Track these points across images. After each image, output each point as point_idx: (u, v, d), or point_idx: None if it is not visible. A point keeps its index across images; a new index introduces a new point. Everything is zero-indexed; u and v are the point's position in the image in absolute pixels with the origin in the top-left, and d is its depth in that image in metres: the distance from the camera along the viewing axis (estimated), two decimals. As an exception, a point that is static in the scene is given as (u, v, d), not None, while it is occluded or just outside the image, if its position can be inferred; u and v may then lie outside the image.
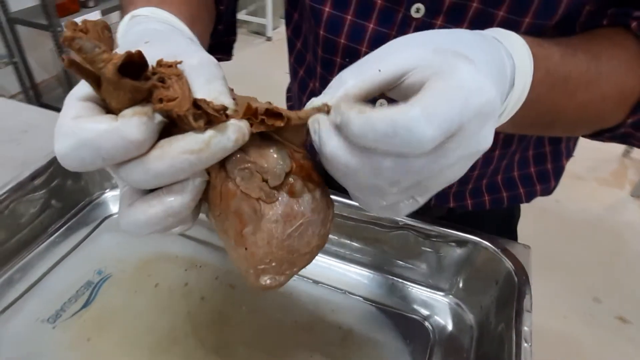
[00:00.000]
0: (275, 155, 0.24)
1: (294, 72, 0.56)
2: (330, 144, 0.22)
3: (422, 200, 0.25)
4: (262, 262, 0.24)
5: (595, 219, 1.84)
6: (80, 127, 0.20)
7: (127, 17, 0.31)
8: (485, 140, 0.22)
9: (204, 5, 0.41)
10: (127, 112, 0.20)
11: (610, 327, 1.44)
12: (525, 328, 0.37)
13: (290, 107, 0.65)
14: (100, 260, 0.51)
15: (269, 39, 3.12)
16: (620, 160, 2.19)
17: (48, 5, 1.73)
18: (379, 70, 0.22)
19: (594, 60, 0.33)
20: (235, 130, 0.22)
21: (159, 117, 0.21)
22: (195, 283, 0.49)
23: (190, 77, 0.23)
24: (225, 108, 0.21)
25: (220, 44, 0.51)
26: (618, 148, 2.21)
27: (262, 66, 2.71)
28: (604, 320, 1.45)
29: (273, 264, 0.24)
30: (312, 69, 0.51)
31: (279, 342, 0.44)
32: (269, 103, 0.24)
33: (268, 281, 0.25)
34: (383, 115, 0.20)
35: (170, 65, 0.22)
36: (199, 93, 0.22)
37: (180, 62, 0.23)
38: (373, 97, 0.23)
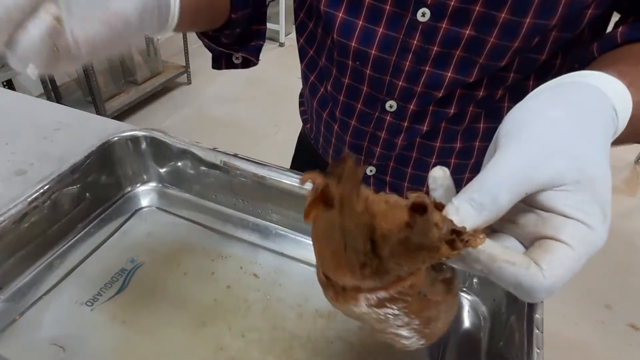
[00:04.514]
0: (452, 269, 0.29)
1: (305, 78, 0.59)
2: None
3: None
4: (437, 337, 0.32)
5: (607, 226, 1.84)
6: None
7: None
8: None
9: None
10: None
11: (621, 334, 1.43)
12: (537, 316, 0.39)
13: (302, 111, 0.67)
14: (132, 249, 0.54)
15: (281, 44, 3.17)
16: (633, 167, 2.18)
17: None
18: (525, 194, 0.24)
19: None
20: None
21: None
22: (221, 272, 0.52)
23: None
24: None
25: (247, 46, 0.54)
26: (631, 155, 2.20)
27: (275, 71, 2.75)
28: (616, 327, 1.45)
29: (439, 334, 0.32)
30: (324, 73, 0.54)
31: (300, 329, 0.47)
32: (441, 206, 0.25)
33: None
34: (510, 271, 0.23)
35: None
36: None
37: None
38: None
